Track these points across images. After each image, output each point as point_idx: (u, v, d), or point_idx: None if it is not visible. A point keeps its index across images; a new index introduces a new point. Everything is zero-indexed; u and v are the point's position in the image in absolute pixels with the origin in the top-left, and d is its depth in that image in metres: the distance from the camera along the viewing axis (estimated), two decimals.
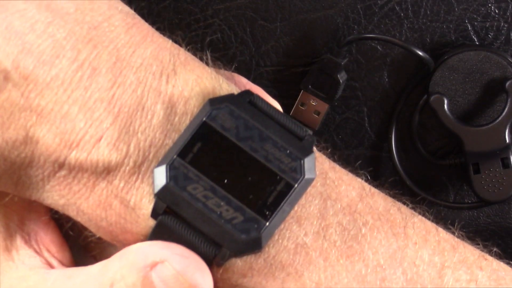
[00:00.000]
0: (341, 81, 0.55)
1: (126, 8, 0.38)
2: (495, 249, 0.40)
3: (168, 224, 0.35)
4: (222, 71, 0.43)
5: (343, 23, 0.56)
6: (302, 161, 0.35)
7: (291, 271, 0.36)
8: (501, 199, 0.56)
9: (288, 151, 0.35)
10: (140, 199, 0.35)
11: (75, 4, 0.36)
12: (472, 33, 0.56)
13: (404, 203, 0.40)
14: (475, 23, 0.56)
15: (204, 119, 0.35)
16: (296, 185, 0.35)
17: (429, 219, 0.40)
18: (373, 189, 0.39)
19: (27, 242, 0.39)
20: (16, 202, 0.38)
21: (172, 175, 0.35)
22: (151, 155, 0.35)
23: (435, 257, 0.37)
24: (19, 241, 0.39)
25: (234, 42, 0.56)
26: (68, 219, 0.38)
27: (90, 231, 0.37)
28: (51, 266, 0.39)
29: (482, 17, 0.55)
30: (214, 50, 0.56)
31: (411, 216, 0.38)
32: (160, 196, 0.35)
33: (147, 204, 0.35)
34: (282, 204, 0.35)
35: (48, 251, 0.39)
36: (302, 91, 0.56)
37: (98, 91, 0.35)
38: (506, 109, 0.55)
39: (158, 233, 0.35)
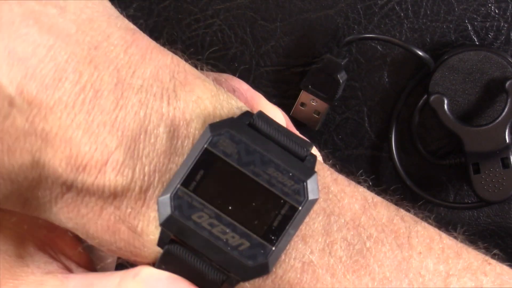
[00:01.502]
0: (341, 81, 0.55)
1: (125, 23, 0.38)
2: (495, 251, 0.40)
3: (175, 253, 0.35)
4: (223, 76, 0.43)
5: (343, 23, 0.56)
6: (305, 183, 0.35)
7: None
8: (501, 199, 0.56)
9: (290, 174, 0.35)
10: (147, 224, 0.36)
11: (76, 25, 0.36)
12: (472, 33, 0.56)
13: (406, 209, 0.40)
14: (475, 23, 0.56)
15: (205, 146, 0.35)
16: (300, 208, 0.35)
17: (431, 224, 0.40)
18: (376, 198, 0.39)
19: (41, 248, 0.39)
20: (23, 202, 0.38)
21: (176, 204, 0.35)
22: (155, 180, 0.35)
23: (440, 266, 0.37)
24: (32, 248, 0.39)
25: (234, 42, 0.56)
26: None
27: None
28: (68, 269, 0.39)
29: (482, 17, 0.55)
30: (214, 50, 0.56)
31: (414, 224, 0.38)
32: (166, 226, 0.35)
33: (154, 230, 0.35)
34: (287, 228, 0.35)
35: (64, 254, 0.40)
36: (302, 91, 0.56)
37: (101, 114, 0.35)
38: (506, 109, 0.55)
39: (166, 262, 0.36)
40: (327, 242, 0.36)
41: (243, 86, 0.44)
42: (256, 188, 0.35)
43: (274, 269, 0.36)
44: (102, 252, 0.41)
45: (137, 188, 0.35)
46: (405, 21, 0.56)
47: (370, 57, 0.56)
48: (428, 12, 0.56)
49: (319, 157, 0.43)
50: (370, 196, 0.39)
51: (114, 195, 0.35)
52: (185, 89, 0.36)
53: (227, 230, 0.35)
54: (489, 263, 0.38)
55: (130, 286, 0.36)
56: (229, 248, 0.35)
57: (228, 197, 0.35)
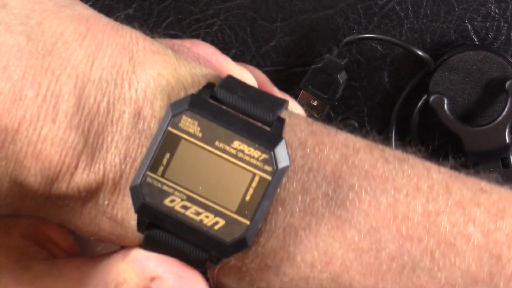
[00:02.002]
0: (341, 81, 0.55)
1: (78, 11, 0.37)
2: (495, 175, 0.39)
3: (155, 237, 0.35)
4: (186, 43, 0.43)
5: (343, 23, 0.56)
6: (272, 152, 0.35)
7: (284, 256, 0.36)
8: None
9: (256, 145, 0.35)
10: (126, 212, 0.36)
11: (26, 35, 0.36)
12: (472, 33, 0.56)
13: (394, 147, 0.39)
14: (475, 23, 0.56)
15: (167, 128, 0.35)
16: (270, 178, 0.34)
17: (421, 157, 0.39)
18: (359, 143, 0.38)
19: (27, 235, 0.39)
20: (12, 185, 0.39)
21: (146, 192, 0.35)
22: (127, 166, 0.35)
23: (429, 205, 0.36)
24: (18, 236, 0.39)
25: (234, 42, 0.56)
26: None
27: None
28: (56, 256, 0.40)
29: (482, 17, 0.55)
30: None
31: (400, 164, 0.37)
32: (140, 213, 0.35)
33: (134, 216, 0.36)
34: (260, 200, 0.34)
35: (51, 241, 0.40)
36: (302, 91, 0.56)
37: (66, 118, 0.35)
38: (506, 109, 0.55)
39: (150, 245, 0.36)
40: (307, 201, 0.36)
41: (208, 51, 0.43)
42: (224, 165, 0.35)
43: (256, 239, 0.35)
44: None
45: (110, 181, 0.35)
46: (405, 21, 0.56)
47: (370, 57, 0.56)
48: (428, 12, 0.56)
49: (299, 110, 0.42)
50: (352, 142, 0.37)
51: (90, 192, 0.35)
52: (145, 67, 0.36)
53: (201, 211, 0.34)
54: (484, 191, 0.37)
55: (120, 268, 0.36)
56: (205, 229, 0.34)
57: (198, 177, 0.35)
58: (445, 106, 0.55)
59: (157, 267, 0.35)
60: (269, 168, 0.35)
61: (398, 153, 0.38)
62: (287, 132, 0.36)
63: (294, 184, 0.36)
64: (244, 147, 0.35)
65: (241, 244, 0.35)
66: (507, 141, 0.55)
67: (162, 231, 0.35)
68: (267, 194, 0.35)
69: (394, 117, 0.57)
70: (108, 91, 0.36)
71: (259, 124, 0.35)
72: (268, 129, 0.35)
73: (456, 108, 0.56)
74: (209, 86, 0.36)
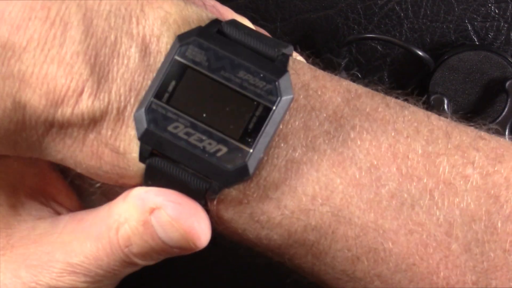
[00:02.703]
0: None
1: None
2: (491, 125, 0.39)
3: (157, 166, 0.36)
4: None
5: (343, 23, 0.56)
6: (276, 83, 0.35)
7: (285, 188, 0.36)
8: None
9: (261, 75, 0.35)
10: (128, 143, 0.36)
11: None
12: (472, 33, 0.56)
13: (396, 97, 0.39)
14: (475, 23, 0.56)
15: (174, 56, 0.35)
16: (274, 108, 0.35)
17: (422, 107, 0.39)
18: (360, 90, 0.38)
19: (32, 195, 0.40)
20: (16, 159, 0.40)
21: (151, 118, 0.35)
22: (132, 99, 0.36)
23: (428, 147, 0.37)
24: (23, 196, 0.40)
25: None
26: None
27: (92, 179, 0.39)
28: (60, 214, 0.40)
29: (482, 17, 0.55)
30: None
31: (401, 109, 0.38)
32: (143, 140, 0.35)
33: (136, 148, 0.36)
34: (263, 128, 0.35)
35: (55, 201, 0.41)
36: None
37: (73, 45, 0.35)
38: (506, 109, 0.55)
39: (150, 176, 0.36)
40: (310, 137, 0.36)
41: (209, 2, 0.44)
42: (229, 93, 0.35)
43: (257, 171, 0.36)
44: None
45: (114, 110, 0.36)
46: (405, 21, 0.56)
47: (370, 57, 0.56)
48: (428, 12, 0.56)
49: (300, 57, 0.43)
50: (354, 88, 0.38)
51: (93, 121, 0.36)
52: (153, 6, 0.37)
53: (204, 138, 0.35)
54: (483, 138, 0.38)
55: (121, 208, 0.37)
56: (207, 155, 0.35)
57: (202, 104, 0.35)
58: (445, 106, 0.55)
59: (156, 197, 0.36)
60: (273, 98, 0.35)
61: (399, 101, 0.39)
62: (290, 74, 0.37)
63: (297, 122, 0.36)
64: (249, 77, 0.35)
65: (243, 172, 0.35)
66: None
67: (164, 160, 0.35)
68: (271, 122, 0.35)
69: None
70: (116, 25, 0.36)
71: (265, 56, 0.36)
72: (274, 62, 0.36)
73: (456, 108, 0.56)
74: (216, 21, 0.37)
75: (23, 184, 0.40)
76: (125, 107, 0.36)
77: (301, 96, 0.37)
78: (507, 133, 0.55)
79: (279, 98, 0.35)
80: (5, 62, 0.35)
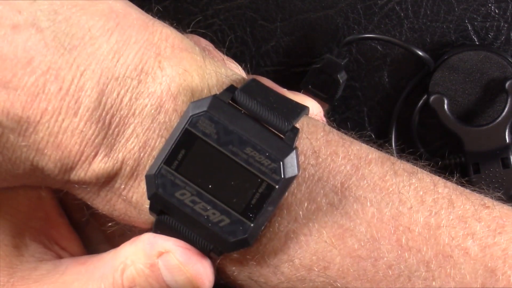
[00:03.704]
0: (341, 81, 0.55)
1: (109, 5, 0.38)
2: (499, 194, 0.40)
3: (165, 223, 0.37)
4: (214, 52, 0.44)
5: (343, 23, 0.56)
6: (281, 163, 0.36)
7: (283, 257, 0.37)
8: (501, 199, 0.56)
9: (267, 154, 0.36)
10: (141, 196, 0.38)
11: (52, 31, 0.37)
12: (472, 33, 0.56)
13: (407, 159, 0.40)
14: (475, 23, 0.56)
15: (186, 126, 0.36)
16: (277, 186, 0.36)
17: (432, 172, 0.40)
18: (372, 155, 0.39)
19: (36, 238, 0.41)
20: (23, 201, 0.41)
21: (160, 183, 0.36)
22: (146, 155, 0.37)
23: (431, 219, 0.37)
24: (28, 238, 0.41)
25: (234, 42, 0.56)
26: (88, 205, 0.40)
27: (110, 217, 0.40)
28: (61, 258, 0.41)
29: (482, 17, 0.55)
30: None
31: (408, 177, 0.38)
32: (153, 200, 0.37)
33: (148, 200, 0.37)
34: (264, 205, 0.36)
35: (59, 245, 0.41)
36: (302, 91, 0.56)
37: (87, 112, 0.36)
38: (506, 109, 0.55)
39: (160, 228, 0.38)
40: (312, 209, 0.37)
41: (202, 44, 0.44)
42: (235, 167, 0.36)
43: (258, 237, 0.37)
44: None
45: (128, 168, 0.37)
46: (405, 21, 0.56)
47: (370, 57, 0.56)
48: (428, 12, 0.56)
49: (319, 115, 0.43)
50: (365, 153, 0.39)
51: (107, 180, 0.37)
52: (170, 63, 0.37)
53: (208, 207, 0.36)
54: (487, 207, 0.38)
55: (128, 251, 0.38)
56: (210, 224, 0.36)
57: (209, 175, 0.36)
58: (445, 106, 0.55)
59: (166, 242, 0.37)
60: (276, 177, 0.36)
61: (409, 166, 0.39)
62: (302, 139, 0.38)
63: (302, 191, 0.37)
64: (256, 154, 0.36)
65: (243, 243, 0.36)
66: (507, 141, 0.55)
67: (172, 218, 0.37)
68: (272, 200, 0.36)
69: (394, 117, 0.57)
70: (131, 87, 0.37)
71: (274, 132, 0.37)
72: (282, 137, 0.37)
73: (456, 108, 0.56)
74: (230, 89, 0.38)
75: (29, 226, 0.41)
76: (139, 163, 0.37)
77: (310, 165, 0.38)
78: (507, 133, 0.55)
79: (282, 178, 0.36)
80: (21, 133, 0.36)
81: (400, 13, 0.56)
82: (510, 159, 0.55)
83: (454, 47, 0.56)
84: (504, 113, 0.55)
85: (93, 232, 0.43)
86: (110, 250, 0.39)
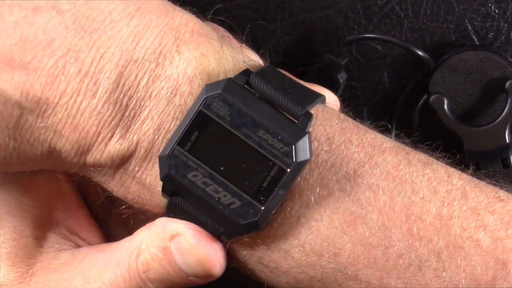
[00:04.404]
0: (341, 81, 0.55)
1: None
2: None
3: (177, 204, 0.37)
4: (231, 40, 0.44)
5: (343, 23, 0.56)
6: (293, 146, 0.36)
7: (294, 242, 0.37)
8: None
9: (279, 137, 0.36)
10: (154, 178, 0.38)
11: (73, 14, 0.37)
12: (472, 33, 0.56)
13: (422, 150, 0.40)
14: (475, 23, 0.56)
15: (200, 108, 0.37)
16: (288, 170, 0.36)
17: (448, 164, 0.40)
18: (386, 144, 0.39)
19: (56, 229, 0.42)
20: (44, 193, 0.41)
21: (172, 163, 0.37)
22: (160, 137, 0.37)
23: (443, 210, 0.37)
24: (48, 230, 0.42)
25: None
26: (103, 188, 0.40)
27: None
28: (80, 247, 0.42)
29: (482, 17, 0.55)
30: None
31: (422, 167, 0.38)
32: (165, 181, 0.37)
33: (161, 182, 0.38)
34: (276, 189, 0.36)
35: (78, 235, 0.42)
36: None
37: (105, 93, 0.37)
38: (506, 109, 0.55)
39: (172, 211, 0.38)
40: (324, 194, 0.37)
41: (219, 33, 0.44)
42: (247, 150, 0.36)
43: (269, 221, 0.37)
44: None
45: (142, 150, 0.37)
46: (405, 21, 0.56)
47: (370, 57, 0.56)
48: (428, 12, 0.56)
49: (335, 105, 0.43)
50: (380, 142, 0.39)
51: (122, 161, 0.38)
52: (188, 47, 0.38)
53: (220, 189, 0.36)
54: (501, 200, 0.38)
55: (143, 235, 0.38)
56: (221, 206, 0.36)
57: (221, 157, 0.36)
58: (445, 106, 0.55)
59: (177, 224, 0.37)
60: (288, 161, 0.36)
61: (423, 157, 0.39)
62: (316, 126, 0.38)
63: (315, 177, 0.37)
64: (268, 137, 0.36)
65: (253, 227, 0.37)
66: (507, 141, 0.55)
67: (183, 200, 0.37)
68: (283, 184, 0.36)
69: (394, 117, 0.57)
70: (149, 69, 0.37)
71: (287, 116, 0.37)
72: (295, 121, 0.37)
73: (456, 108, 0.56)
74: (245, 73, 0.38)
75: (49, 218, 0.42)
76: (153, 145, 0.37)
77: (324, 151, 0.38)
78: (507, 133, 0.55)
79: (294, 161, 0.36)
80: (40, 114, 0.37)
81: (400, 13, 0.56)
82: (510, 159, 0.55)
83: (454, 47, 0.56)
84: (504, 113, 0.55)
85: (115, 225, 0.44)
86: (127, 237, 0.39)
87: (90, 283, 0.39)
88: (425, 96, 0.56)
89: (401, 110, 0.57)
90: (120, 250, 0.39)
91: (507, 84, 0.54)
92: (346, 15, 0.56)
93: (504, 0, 0.55)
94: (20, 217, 0.41)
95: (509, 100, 0.54)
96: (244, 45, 0.45)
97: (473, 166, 0.56)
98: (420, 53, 0.55)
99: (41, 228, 0.41)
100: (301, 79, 0.56)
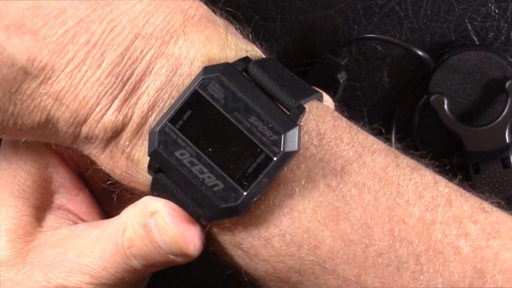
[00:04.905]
0: (341, 81, 0.55)
1: None
2: (503, 203, 0.40)
3: (161, 182, 0.38)
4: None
5: (343, 23, 0.56)
6: (282, 135, 0.36)
7: (275, 231, 0.38)
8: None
9: (270, 125, 0.36)
10: (143, 154, 0.38)
11: None
12: (472, 33, 0.56)
13: (412, 155, 0.40)
14: (475, 23, 0.56)
15: (195, 87, 0.37)
16: (275, 158, 0.36)
17: (436, 172, 0.40)
18: (377, 146, 0.39)
19: (56, 211, 0.43)
20: (46, 178, 0.42)
21: (162, 140, 0.37)
22: (153, 115, 0.38)
23: (426, 214, 0.37)
24: (48, 212, 0.42)
25: None
26: (92, 161, 0.41)
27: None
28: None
29: (482, 17, 0.55)
30: None
31: (410, 171, 0.39)
32: (152, 157, 0.37)
33: (148, 160, 0.38)
34: (260, 176, 0.36)
35: (79, 217, 0.43)
36: None
37: (110, 65, 0.37)
38: (506, 109, 0.55)
39: (156, 188, 0.38)
40: (309, 187, 0.37)
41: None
42: (237, 134, 0.37)
43: (252, 209, 0.37)
44: None
45: (134, 124, 0.38)
46: (405, 21, 0.56)
47: (370, 57, 0.56)
48: (428, 12, 0.56)
49: (330, 102, 0.44)
50: (371, 143, 0.39)
51: (115, 133, 0.38)
52: (194, 30, 0.38)
53: (205, 170, 0.37)
54: (485, 211, 0.38)
55: (129, 212, 0.39)
56: (204, 187, 0.37)
57: (210, 139, 0.37)
58: (445, 106, 0.55)
59: (156, 202, 0.38)
60: (276, 149, 0.36)
61: (412, 162, 0.39)
62: (309, 120, 0.38)
63: (301, 169, 0.38)
64: (259, 124, 0.36)
65: (233, 211, 0.37)
66: (507, 141, 0.55)
67: (168, 179, 0.37)
68: (268, 172, 0.36)
69: (394, 117, 0.57)
70: (154, 46, 0.38)
71: (280, 107, 0.37)
72: (288, 113, 0.37)
73: (456, 108, 0.56)
74: (245, 60, 0.38)
75: (51, 201, 0.43)
76: (145, 122, 0.38)
77: (313, 145, 0.38)
78: (507, 133, 0.55)
79: (281, 151, 0.36)
80: (44, 81, 0.37)
81: (400, 13, 0.56)
82: (510, 159, 0.55)
83: (454, 47, 0.56)
84: (504, 113, 0.55)
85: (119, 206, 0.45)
86: (119, 214, 0.40)
87: (82, 257, 0.40)
88: (425, 96, 0.56)
89: (401, 110, 0.57)
90: (110, 226, 0.40)
91: (507, 84, 0.54)
92: (346, 15, 0.56)
93: (504, 0, 0.55)
94: (21, 198, 0.41)
95: (509, 100, 0.54)
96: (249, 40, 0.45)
97: (472, 167, 0.56)
98: (420, 53, 0.55)
99: (42, 210, 0.42)
100: (301, 79, 0.56)
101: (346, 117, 0.40)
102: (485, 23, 0.56)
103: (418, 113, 0.57)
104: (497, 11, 0.55)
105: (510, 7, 0.55)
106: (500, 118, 0.55)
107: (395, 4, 0.56)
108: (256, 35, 0.56)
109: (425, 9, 0.56)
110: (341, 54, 0.55)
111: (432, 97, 0.55)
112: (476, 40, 0.56)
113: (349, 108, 0.57)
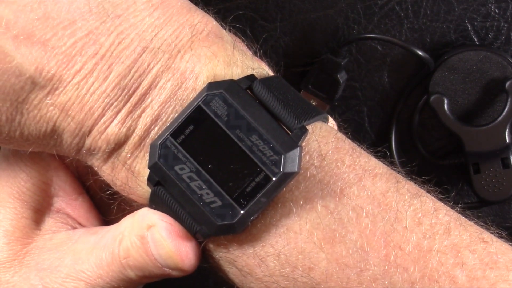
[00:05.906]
0: (341, 81, 0.55)
1: None
2: (504, 234, 0.39)
3: (159, 195, 0.38)
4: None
5: (343, 23, 0.56)
6: (283, 156, 0.36)
7: (270, 250, 0.37)
8: (501, 199, 0.56)
9: (271, 145, 0.36)
10: (143, 167, 0.38)
11: (97, 1, 0.38)
12: (472, 33, 0.56)
13: (416, 181, 0.40)
14: (475, 23, 0.56)
15: (199, 103, 0.37)
16: (274, 179, 0.36)
17: (439, 198, 0.39)
18: (379, 170, 0.39)
19: (55, 215, 0.43)
20: (45, 181, 0.42)
21: (162, 153, 0.37)
22: (156, 128, 0.38)
23: (424, 241, 0.37)
24: (47, 215, 0.42)
25: None
26: (93, 171, 0.41)
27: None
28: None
29: (482, 17, 0.55)
30: None
31: (410, 197, 0.38)
32: (152, 170, 0.37)
33: (148, 173, 0.38)
34: (258, 195, 0.36)
35: (77, 222, 0.43)
36: (302, 91, 0.56)
37: (117, 78, 0.37)
38: (506, 109, 0.55)
39: (154, 201, 0.38)
40: (307, 208, 0.37)
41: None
42: (237, 152, 0.36)
43: (249, 228, 0.37)
44: None
45: (136, 137, 0.38)
46: (405, 21, 0.56)
47: (370, 57, 0.56)
48: (428, 12, 0.56)
49: (333, 125, 0.44)
50: (372, 167, 0.39)
51: (117, 145, 0.38)
52: (201, 45, 0.38)
53: (204, 186, 0.37)
54: (485, 241, 0.38)
55: (127, 222, 0.39)
56: (201, 203, 0.37)
57: (210, 155, 0.37)
58: (445, 106, 0.55)
59: (153, 215, 0.38)
60: (275, 169, 0.36)
61: (414, 187, 0.39)
62: (311, 141, 0.38)
63: (300, 189, 0.37)
64: (260, 143, 0.36)
65: (229, 229, 0.37)
66: (507, 141, 0.55)
67: (167, 192, 0.37)
68: (266, 192, 0.36)
69: (394, 117, 0.57)
70: (161, 60, 0.38)
71: (283, 127, 0.37)
72: (290, 133, 0.37)
73: (456, 108, 0.56)
74: (250, 77, 0.38)
75: (49, 203, 0.43)
76: (148, 135, 0.38)
77: (314, 166, 0.38)
78: (507, 133, 0.55)
79: (281, 171, 0.36)
80: (51, 92, 0.37)
81: (400, 13, 0.56)
82: (510, 159, 0.55)
83: (454, 47, 0.56)
84: (504, 113, 0.55)
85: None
86: (117, 223, 0.40)
87: (79, 264, 0.40)
88: (425, 96, 0.56)
89: (401, 110, 0.57)
90: (108, 234, 0.40)
91: (507, 84, 0.54)
92: (346, 15, 0.56)
93: (504, 0, 0.55)
94: (21, 200, 0.42)
95: (509, 100, 0.54)
96: (257, 57, 0.45)
97: (472, 168, 0.56)
98: (420, 53, 0.55)
99: (40, 213, 0.42)
100: (301, 79, 0.56)
101: (349, 138, 0.40)
102: (485, 23, 0.56)
103: (418, 113, 0.57)
104: (497, 11, 0.55)
105: (510, 7, 0.55)
106: (500, 118, 0.55)
107: (395, 4, 0.56)
108: (256, 35, 0.56)
109: (425, 9, 0.56)
110: (341, 54, 0.55)
111: (432, 97, 0.55)
112: (476, 40, 0.56)
113: (349, 108, 0.57)
